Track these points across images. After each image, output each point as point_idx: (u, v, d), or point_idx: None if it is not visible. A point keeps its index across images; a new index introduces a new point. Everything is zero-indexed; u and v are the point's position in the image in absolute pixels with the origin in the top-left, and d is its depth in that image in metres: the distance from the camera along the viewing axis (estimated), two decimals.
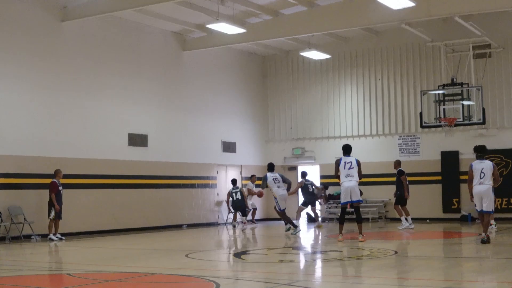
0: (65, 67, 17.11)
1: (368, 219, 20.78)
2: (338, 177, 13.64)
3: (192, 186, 20.64)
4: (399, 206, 17.27)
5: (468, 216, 19.94)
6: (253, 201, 21.06)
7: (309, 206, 19.12)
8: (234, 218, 20.06)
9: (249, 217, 20.71)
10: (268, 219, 22.92)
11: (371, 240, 13.94)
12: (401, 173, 17.13)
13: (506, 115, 20.16)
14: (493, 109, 20.06)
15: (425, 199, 20.87)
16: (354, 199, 13.48)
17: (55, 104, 16.82)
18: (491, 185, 12.34)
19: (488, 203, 12.32)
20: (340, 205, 14.18)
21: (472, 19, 18.70)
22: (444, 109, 18.49)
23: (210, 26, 17.59)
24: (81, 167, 17.25)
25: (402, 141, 21.56)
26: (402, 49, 21.73)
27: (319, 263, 10.54)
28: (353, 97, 22.49)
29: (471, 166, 12.62)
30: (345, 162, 13.53)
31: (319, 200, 20.30)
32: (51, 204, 15.58)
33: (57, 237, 15.61)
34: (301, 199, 20.60)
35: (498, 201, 18.70)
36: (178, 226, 19.85)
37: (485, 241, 12.25)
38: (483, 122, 18.45)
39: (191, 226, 20.17)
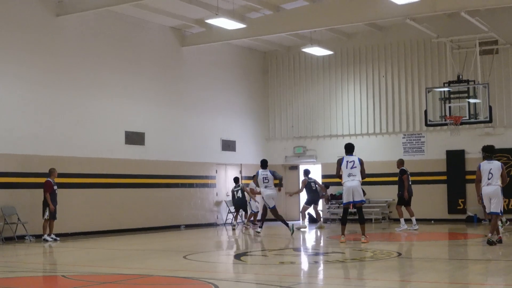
0: (60, 63, 17.10)
1: (371, 219, 20.76)
2: (340, 176, 13.64)
3: (191, 185, 20.64)
4: (401, 207, 17.26)
5: (474, 217, 19.93)
6: (256, 204, 20.95)
7: (312, 205, 19.15)
8: (235, 218, 20.08)
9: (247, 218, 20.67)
10: (268, 220, 22.87)
11: (374, 241, 13.93)
12: (402, 172, 17.12)
13: None
14: (500, 107, 20.04)
15: (430, 199, 20.86)
16: (357, 199, 13.47)
17: (50, 101, 16.81)
18: (500, 185, 12.37)
19: (496, 204, 12.34)
20: (342, 205, 14.17)
21: (479, 14, 18.66)
22: (449, 107, 18.46)
23: (209, 21, 17.56)
24: (76, 166, 17.24)
25: (407, 140, 21.55)
26: (407, 45, 21.71)
27: (320, 265, 10.52)
28: (356, 95, 22.47)
29: (479, 167, 12.66)
30: (347, 161, 13.52)
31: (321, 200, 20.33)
32: (45, 204, 15.57)
33: (52, 238, 15.60)
34: (300, 198, 20.68)
35: (505, 201, 18.68)
36: (176, 227, 19.85)
37: (491, 242, 12.25)
38: (490, 121, 18.42)
39: (189, 226, 20.17)
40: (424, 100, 19.84)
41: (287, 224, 16.41)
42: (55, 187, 15.73)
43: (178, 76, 20.56)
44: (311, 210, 19.71)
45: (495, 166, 12.46)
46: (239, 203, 19.59)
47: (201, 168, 21.05)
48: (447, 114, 18.38)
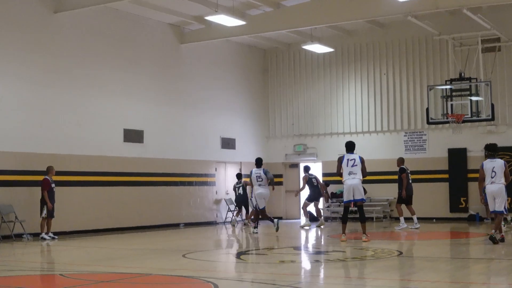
0: (58, 60, 17.08)
1: (372, 218, 20.78)
2: (340, 175, 13.64)
3: (190, 183, 20.64)
4: (401, 205, 17.25)
5: (476, 215, 19.94)
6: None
7: (313, 202, 19.20)
8: (237, 214, 20.12)
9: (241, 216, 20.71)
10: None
11: (375, 240, 13.94)
12: (401, 171, 17.12)
13: None
14: (503, 105, 20.04)
15: (432, 198, 20.86)
16: (357, 197, 13.47)
17: (47, 99, 16.80)
18: (503, 183, 12.41)
19: (500, 203, 12.39)
20: (342, 203, 14.17)
21: (481, 11, 18.66)
22: (451, 105, 18.45)
23: (208, 18, 17.56)
24: (74, 163, 17.24)
25: (408, 138, 21.55)
26: (408, 42, 21.70)
27: (321, 264, 10.52)
28: (357, 92, 22.46)
29: (482, 166, 12.71)
30: (348, 160, 13.52)
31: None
32: (43, 202, 15.57)
33: (50, 236, 15.61)
34: (300, 196, 20.68)
35: (508, 200, 18.67)
36: (175, 225, 19.86)
37: (493, 238, 12.26)
38: (492, 119, 18.41)
39: (188, 225, 20.17)
40: (425, 97, 19.83)
41: (272, 220, 16.57)
42: (53, 185, 15.73)
43: (177, 73, 20.54)
44: (311, 207, 19.73)
45: (498, 164, 12.50)
46: (241, 200, 19.65)
47: (201, 166, 21.05)
48: (449, 112, 18.37)
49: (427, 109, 18.97)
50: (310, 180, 18.78)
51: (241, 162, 22.60)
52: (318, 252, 12.53)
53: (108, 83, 18.33)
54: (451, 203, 20.72)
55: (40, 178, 15.75)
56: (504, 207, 12.53)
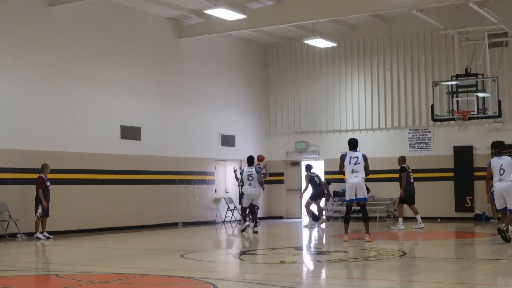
0: (52, 55, 17.08)
1: (375, 218, 20.79)
2: (343, 173, 13.65)
3: (189, 182, 20.65)
4: (403, 205, 17.24)
5: (482, 215, 19.95)
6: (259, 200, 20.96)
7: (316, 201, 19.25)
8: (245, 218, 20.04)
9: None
10: (269, 218, 22.94)
11: (378, 240, 13.96)
12: (402, 170, 17.09)
13: None
14: (510, 102, 20.03)
15: (437, 197, 20.88)
16: (360, 196, 13.48)
17: (42, 95, 16.81)
18: None
19: (510, 200, 12.41)
20: (345, 203, 14.18)
21: (488, 5, 18.64)
22: (457, 101, 18.46)
23: (208, 11, 17.55)
24: (70, 161, 17.25)
25: (413, 135, 21.56)
26: (413, 37, 21.69)
27: (322, 265, 10.54)
28: (361, 88, 22.46)
29: (489, 164, 12.77)
30: (350, 157, 13.52)
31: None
32: (38, 201, 15.59)
33: (45, 236, 15.63)
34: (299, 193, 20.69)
35: None
36: (174, 225, 19.88)
37: (502, 230, 12.28)
38: (499, 115, 18.42)
39: (187, 224, 20.19)
40: (430, 94, 19.83)
41: (244, 221, 16.72)
42: (48, 183, 15.75)
43: (176, 68, 20.55)
44: (313, 206, 19.77)
45: (506, 161, 12.55)
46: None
47: (199, 164, 21.06)
48: (455, 108, 18.38)
49: (432, 106, 18.98)
50: (312, 179, 18.85)
51: (241, 160, 22.58)
52: (319, 252, 12.55)
53: (104, 79, 18.34)
54: (456, 202, 20.73)
55: (35, 176, 15.76)
56: None
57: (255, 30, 21.14)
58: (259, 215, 21.67)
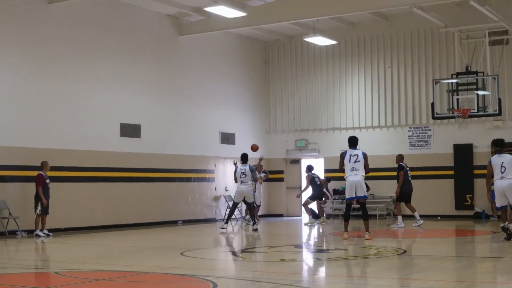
0: (52, 52, 17.06)
1: (375, 215, 20.79)
2: (342, 170, 13.63)
3: (188, 179, 20.64)
4: (400, 204, 17.21)
5: (482, 213, 19.95)
6: (260, 198, 20.95)
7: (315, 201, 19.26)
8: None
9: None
10: (269, 216, 22.93)
11: (378, 238, 13.95)
12: (400, 168, 17.05)
13: None
14: (510, 100, 20.02)
15: (437, 195, 20.87)
16: (360, 194, 13.46)
17: (42, 92, 16.79)
18: None
19: None
20: (345, 200, 14.17)
21: (489, 3, 18.61)
22: (457, 99, 18.44)
23: (208, 9, 17.52)
24: (70, 159, 17.24)
25: (413, 133, 21.54)
26: (414, 35, 21.66)
27: (322, 263, 10.53)
28: (361, 86, 22.44)
29: (490, 162, 12.76)
30: (350, 155, 13.51)
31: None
32: (37, 198, 15.57)
33: (44, 233, 15.62)
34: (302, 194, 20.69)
35: None
36: (173, 222, 19.87)
37: (506, 228, 12.30)
38: (499, 114, 18.41)
39: (186, 222, 20.18)
40: (431, 92, 19.83)
41: (227, 222, 16.79)
42: (48, 181, 15.73)
43: (175, 66, 20.52)
44: (313, 205, 19.76)
45: (507, 159, 12.55)
46: None
47: (199, 161, 21.05)
48: (455, 106, 18.37)
49: (433, 104, 18.97)
50: (313, 180, 18.86)
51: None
52: (319, 250, 12.54)
53: (104, 76, 18.31)
54: (456, 200, 20.72)
55: (35, 173, 15.75)
56: None
57: (255, 27, 21.12)
58: (260, 212, 21.74)
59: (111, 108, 18.40)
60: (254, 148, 17.75)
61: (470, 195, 20.48)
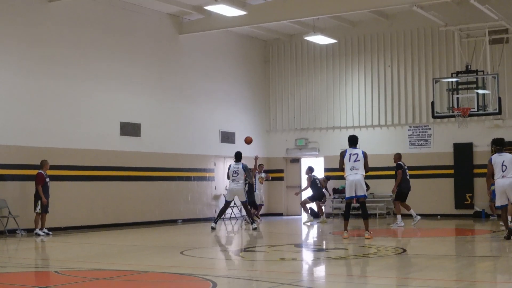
0: (51, 51, 17.05)
1: (375, 215, 20.79)
2: (342, 169, 13.63)
3: (188, 178, 20.64)
4: (399, 203, 17.21)
5: (482, 212, 19.95)
6: (261, 197, 20.98)
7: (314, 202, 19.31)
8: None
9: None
10: (268, 214, 22.93)
11: (378, 237, 13.95)
12: (398, 167, 17.03)
13: None
14: (510, 99, 20.02)
15: (436, 194, 20.87)
16: (359, 193, 13.45)
17: (42, 91, 16.78)
18: None
19: None
20: (344, 200, 14.16)
21: (489, 2, 18.60)
22: (457, 98, 18.44)
23: (208, 7, 17.52)
24: (69, 157, 17.24)
25: (413, 132, 21.54)
26: (414, 33, 21.66)
27: (322, 262, 10.53)
28: (361, 85, 22.44)
29: (490, 160, 12.76)
30: (350, 154, 13.50)
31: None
32: (37, 197, 15.57)
33: (44, 232, 15.62)
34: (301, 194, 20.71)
35: None
36: (173, 221, 19.87)
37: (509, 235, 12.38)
38: (499, 112, 18.41)
39: (186, 221, 20.19)
40: (431, 91, 19.83)
41: (216, 221, 16.81)
42: (48, 180, 15.73)
43: (176, 65, 20.52)
44: (313, 205, 19.80)
45: (508, 158, 12.56)
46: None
47: (199, 160, 21.05)
48: (455, 105, 18.36)
49: (433, 103, 18.96)
50: (314, 181, 18.94)
51: None
52: (319, 250, 12.54)
53: (104, 75, 18.30)
54: (456, 199, 20.72)
55: (34, 172, 15.74)
56: None
57: (255, 26, 21.11)
58: (261, 211, 21.74)
59: (111, 107, 18.39)
60: (248, 140, 17.55)
61: (470, 194, 20.48)
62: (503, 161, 12.56)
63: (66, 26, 17.46)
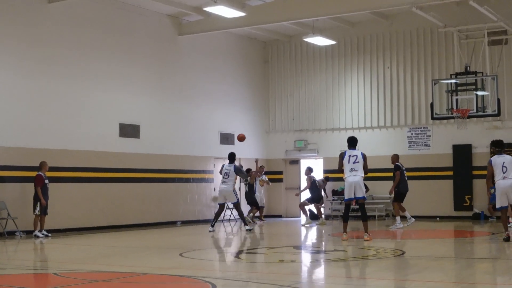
0: (51, 52, 17.06)
1: (374, 216, 20.79)
2: (341, 171, 13.64)
3: (187, 180, 20.65)
4: (398, 204, 17.21)
5: (481, 214, 19.96)
6: (262, 197, 21.01)
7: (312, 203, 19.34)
8: (254, 212, 20.18)
9: (257, 214, 20.77)
10: (268, 216, 22.92)
11: (377, 239, 13.96)
12: (396, 168, 17.03)
13: None
14: (509, 100, 20.04)
15: (436, 195, 20.88)
16: (359, 195, 13.46)
17: (41, 92, 16.78)
18: None
19: None
20: (344, 201, 14.18)
21: (488, 3, 18.63)
22: (456, 100, 18.44)
23: (207, 9, 17.53)
24: (68, 159, 17.24)
25: (412, 134, 21.55)
26: (413, 34, 21.68)
27: (321, 264, 10.54)
28: (360, 86, 22.45)
29: (490, 162, 12.76)
30: (349, 156, 13.51)
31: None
32: (36, 199, 15.57)
33: (43, 234, 15.62)
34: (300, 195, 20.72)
35: None
36: (172, 223, 19.87)
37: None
38: (498, 114, 18.41)
39: (186, 222, 20.19)
40: (430, 92, 19.82)
41: (212, 225, 16.71)
42: (47, 181, 15.73)
43: (175, 66, 20.53)
44: (312, 207, 19.83)
45: (508, 159, 12.58)
46: (245, 198, 19.99)
47: (198, 162, 21.05)
48: (454, 107, 18.37)
49: (432, 104, 18.97)
50: (313, 183, 18.96)
51: (240, 158, 22.57)
52: (318, 251, 12.55)
53: (103, 76, 18.31)
54: (455, 201, 20.72)
55: (33, 174, 15.74)
56: None
57: (254, 27, 21.13)
58: (263, 213, 21.74)
59: (110, 108, 18.40)
60: (240, 137, 17.30)
61: (469, 196, 20.49)
62: (503, 162, 12.57)
63: (66, 28, 17.47)
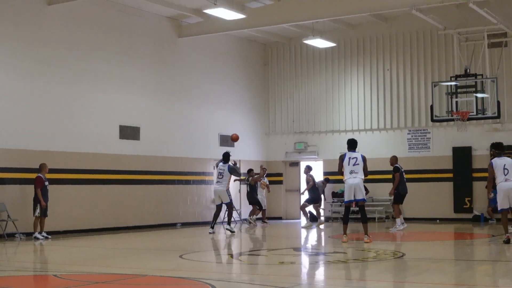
0: (51, 53, 17.08)
1: (374, 218, 20.80)
2: (341, 173, 13.65)
3: (187, 182, 20.65)
4: (398, 206, 17.19)
5: (480, 216, 19.97)
6: (263, 199, 21.03)
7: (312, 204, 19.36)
8: (257, 213, 20.24)
9: (259, 215, 20.81)
10: (268, 218, 22.91)
11: (377, 241, 13.96)
12: (395, 170, 17.02)
13: None
14: (509, 102, 20.06)
15: (435, 198, 20.89)
16: (359, 197, 13.46)
17: (40, 93, 16.80)
18: None
19: None
20: (343, 203, 14.19)
21: (488, 5, 18.65)
22: (456, 102, 18.47)
23: (207, 11, 17.55)
24: (68, 161, 17.24)
25: (412, 136, 21.57)
26: (413, 37, 21.71)
27: (321, 265, 10.55)
28: (360, 88, 22.47)
29: (491, 164, 12.76)
30: (349, 158, 13.52)
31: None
32: (36, 201, 15.58)
33: (43, 236, 15.62)
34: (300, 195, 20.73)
35: None
36: (172, 225, 19.88)
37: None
38: (498, 116, 18.44)
39: (185, 224, 20.19)
40: (430, 94, 19.84)
41: (212, 226, 16.70)
42: (46, 183, 15.74)
43: (175, 68, 20.55)
44: (310, 208, 19.84)
45: (509, 162, 12.61)
46: (247, 198, 20.06)
47: (198, 164, 21.06)
48: (454, 109, 18.39)
49: (432, 106, 18.99)
50: (314, 182, 19.02)
51: (240, 160, 22.59)
52: (318, 253, 12.55)
53: (103, 78, 18.33)
54: (455, 203, 20.73)
55: (33, 175, 15.75)
56: None
57: (254, 29, 21.14)
58: (259, 215, 21.75)
59: (110, 110, 18.42)
60: (234, 138, 17.47)
61: (469, 198, 20.50)
62: (504, 164, 12.59)
63: (65, 29, 17.49)
